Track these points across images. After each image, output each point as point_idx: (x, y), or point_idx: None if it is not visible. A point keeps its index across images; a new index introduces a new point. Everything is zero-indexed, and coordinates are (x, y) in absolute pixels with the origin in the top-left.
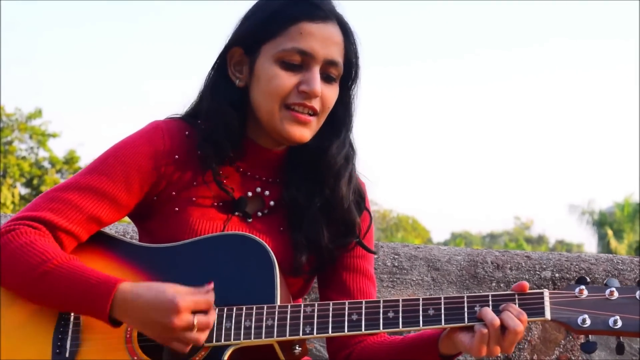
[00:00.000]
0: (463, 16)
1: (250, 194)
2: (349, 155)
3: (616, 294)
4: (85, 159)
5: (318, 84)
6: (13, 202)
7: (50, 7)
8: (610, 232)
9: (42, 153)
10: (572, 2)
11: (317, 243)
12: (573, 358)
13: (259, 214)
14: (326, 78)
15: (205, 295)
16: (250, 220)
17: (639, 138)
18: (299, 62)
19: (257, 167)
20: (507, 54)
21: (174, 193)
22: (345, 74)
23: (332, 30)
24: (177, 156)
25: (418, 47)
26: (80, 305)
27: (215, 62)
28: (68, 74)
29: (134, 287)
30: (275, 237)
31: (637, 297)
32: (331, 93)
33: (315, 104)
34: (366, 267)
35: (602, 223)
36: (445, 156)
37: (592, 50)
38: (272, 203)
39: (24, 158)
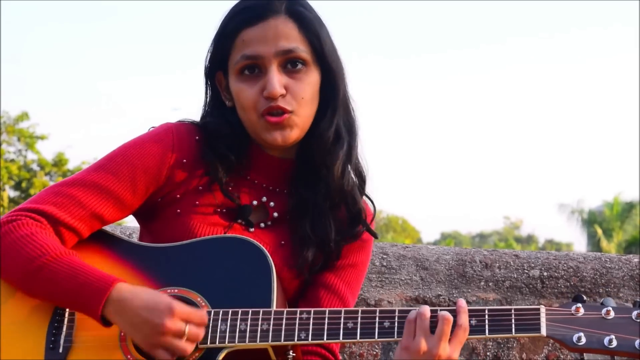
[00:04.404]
0: (453, 12)
1: (255, 202)
2: (340, 132)
3: (612, 314)
4: (74, 162)
5: (275, 85)
6: (2, 206)
7: (31, 6)
8: (599, 231)
9: (30, 155)
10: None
11: (324, 237)
12: (562, 357)
13: (262, 225)
14: (291, 69)
15: (200, 311)
16: (252, 229)
17: (638, 137)
18: (255, 70)
19: (264, 175)
20: (496, 53)
21: (178, 196)
22: (321, 57)
23: (274, 24)
24: (185, 160)
25: (410, 44)
26: (75, 300)
27: (207, 86)
28: (55, 75)
29: (132, 287)
30: (275, 250)
31: (633, 317)
32: (299, 84)
33: (283, 102)
34: (347, 295)
35: (592, 222)
36: (434, 157)
37: (582, 50)
38: (275, 214)
39: (12, 161)
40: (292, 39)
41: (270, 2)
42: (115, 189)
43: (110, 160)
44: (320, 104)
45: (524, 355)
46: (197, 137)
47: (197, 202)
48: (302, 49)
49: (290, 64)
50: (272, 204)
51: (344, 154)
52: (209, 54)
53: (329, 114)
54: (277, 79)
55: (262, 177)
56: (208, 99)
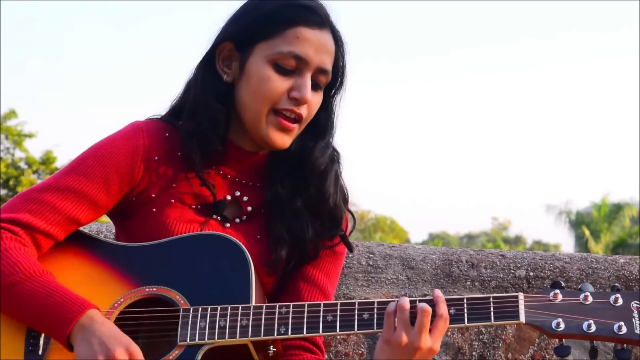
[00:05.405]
0: (448, 13)
1: (229, 197)
2: (333, 156)
3: (590, 299)
4: (62, 160)
5: (309, 91)
6: None
7: (22, 6)
8: (587, 233)
9: (18, 154)
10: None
11: (300, 237)
12: (547, 357)
13: (237, 220)
14: (314, 85)
15: None
16: (227, 225)
17: (634, 138)
18: (293, 67)
19: (237, 170)
20: (489, 55)
21: (153, 195)
22: (332, 80)
23: (326, 38)
24: (156, 157)
25: (399, 45)
26: (45, 320)
27: (204, 56)
28: (44, 73)
29: (98, 319)
30: (252, 245)
31: (611, 302)
32: (316, 100)
33: (303, 110)
34: (326, 285)
35: (580, 223)
36: (423, 157)
37: (573, 52)
38: (249, 209)
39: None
40: (330, 60)
41: (328, 16)
42: (88, 191)
43: (81, 162)
44: (311, 124)
45: (509, 355)
46: (167, 134)
47: (172, 201)
48: (329, 75)
49: (316, 81)
50: (245, 198)
51: (334, 176)
52: (237, 24)
53: (328, 138)
54: (310, 87)
55: (234, 171)
56: (203, 61)
